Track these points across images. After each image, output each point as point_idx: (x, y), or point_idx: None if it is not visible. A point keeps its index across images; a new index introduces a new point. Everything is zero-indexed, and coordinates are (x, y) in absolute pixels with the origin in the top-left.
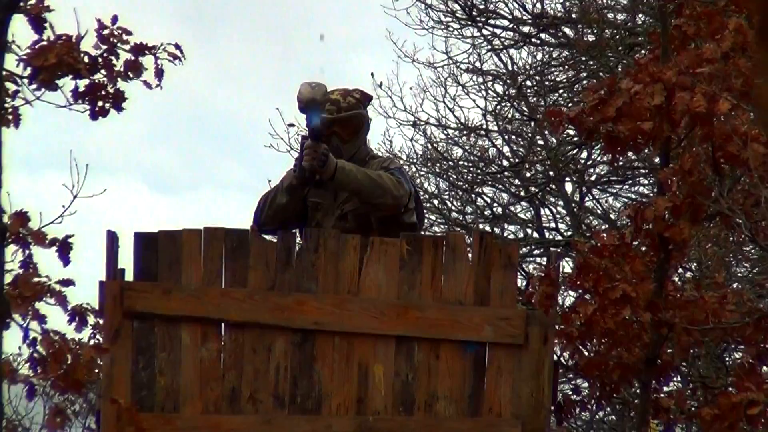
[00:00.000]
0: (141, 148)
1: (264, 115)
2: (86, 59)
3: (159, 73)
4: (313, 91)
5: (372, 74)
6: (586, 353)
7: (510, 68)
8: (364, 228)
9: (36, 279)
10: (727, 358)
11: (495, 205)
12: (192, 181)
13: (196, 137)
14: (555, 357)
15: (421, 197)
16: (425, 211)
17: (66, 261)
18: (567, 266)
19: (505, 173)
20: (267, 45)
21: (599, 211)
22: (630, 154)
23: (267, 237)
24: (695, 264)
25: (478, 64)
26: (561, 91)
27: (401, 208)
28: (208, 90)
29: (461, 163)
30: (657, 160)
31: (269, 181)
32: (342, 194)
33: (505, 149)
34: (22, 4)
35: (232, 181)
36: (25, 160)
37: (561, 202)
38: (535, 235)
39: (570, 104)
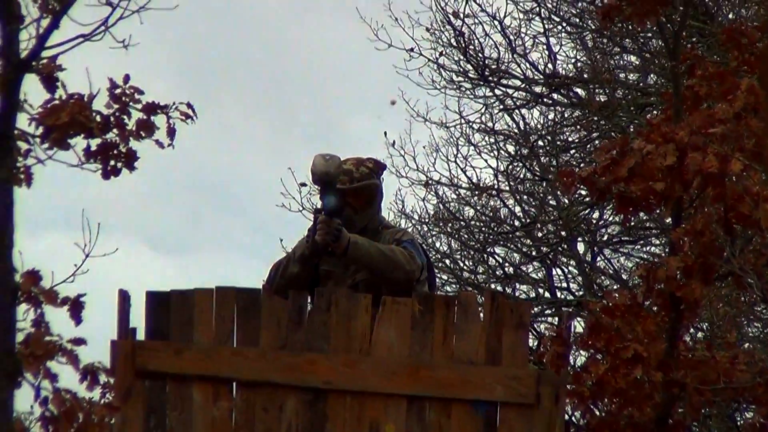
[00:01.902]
0: (142, 207)
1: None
2: (98, 118)
3: (171, 132)
4: (327, 163)
5: (385, 133)
6: (598, 413)
7: (522, 128)
8: (375, 297)
9: (48, 338)
10: (739, 418)
11: (506, 264)
12: (194, 242)
13: (198, 197)
14: (566, 417)
15: (433, 258)
16: (437, 271)
17: (78, 320)
18: (578, 326)
19: (517, 233)
20: (267, 107)
21: (611, 271)
22: (642, 214)
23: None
24: (707, 324)
25: (490, 123)
26: (573, 150)
27: (413, 282)
28: (208, 150)
29: (473, 222)
30: (669, 220)
31: (281, 240)
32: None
33: (517, 209)
34: (34, 63)
35: (235, 242)
36: (36, 219)
37: (572, 262)
38: (547, 294)
39: (582, 164)
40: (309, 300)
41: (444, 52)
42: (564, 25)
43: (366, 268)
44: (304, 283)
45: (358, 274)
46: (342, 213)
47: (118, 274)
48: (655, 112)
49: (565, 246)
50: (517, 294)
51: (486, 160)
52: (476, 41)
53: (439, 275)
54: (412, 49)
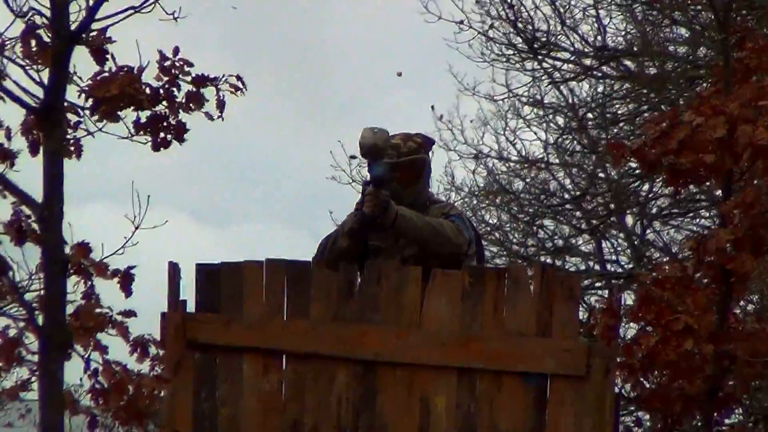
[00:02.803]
0: (187, 179)
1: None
2: (148, 90)
3: (221, 105)
4: (375, 136)
5: (432, 107)
6: (648, 385)
7: (571, 101)
8: (425, 271)
9: (98, 310)
10: None
11: (556, 237)
12: (240, 214)
13: (244, 170)
14: (617, 389)
15: (482, 231)
16: (486, 244)
17: (128, 292)
18: (629, 299)
19: (567, 206)
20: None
21: (660, 244)
22: (692, 186)
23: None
24: (757, 296)
25: (538, 96)
26: (622, 123)
27: (461, 255)
28: (254, 121)
29: (522, 195)
30: (719, 192)
31: (330, 212)
32: (403, 238)
33: (567, 182)
34: (83, 36)
35: (281, 214)
36: (85, 191)
37: (622, 235)
38: (597, 267)
39: (631, 137)
40: (359, 272)
41: (493, 25)
42: None
43: (413, 241)
44: (353, 257)
45: (407, 249)
46: (390, 186)
47: (166, 246)
48: (705, 84)
49: (615, 219)
50: (567, 267)
51: (535, 133)
52: (526, 14)
53: (488, 248)
54: (461, 22)
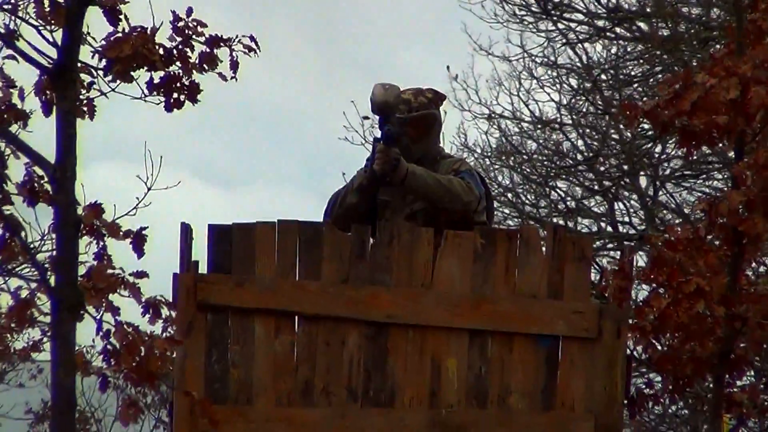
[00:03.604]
0: (197, 140)
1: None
2: (161, 51)
3: (234, 65)
4: (386, 93)
5: (447, 67)
6: (660, 347)
7: (585, 62)
8: (433, 227)
9: (110, 271)
10: None
11: (569, 198)
12: (252, 175)
13: (256, 131)
14: (628, 351)
15: (495, 191)
16: (498, 205)
17: (140, 253)
18: (641, 260)
19: (579, 167)
20: (325, 40)
21: (673, 205)
22: (704, 148)
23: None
24: None
25: (552, 57)
26: (635, 85)
27: (471, 212)
28: (267, 82)
29: (535, 156)
30: (731, 154)
31: (343, 174)
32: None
33: (579, 143)
34: None
35: (292, 175)
36: (99, 151)
37: (635, 196)
38: (609, 229)
39: (645, 98)
40: (371, 233)
41: None
42: None
43: (423, 198)
44: (362, 213)
45: (415, 204)
46: (400, 142)
47: (178, 207)
48: (718, 46)
49: (628, 180)
50: (578, 228)
51: (549, 94)
52: None
53: (500, 209)
54: None
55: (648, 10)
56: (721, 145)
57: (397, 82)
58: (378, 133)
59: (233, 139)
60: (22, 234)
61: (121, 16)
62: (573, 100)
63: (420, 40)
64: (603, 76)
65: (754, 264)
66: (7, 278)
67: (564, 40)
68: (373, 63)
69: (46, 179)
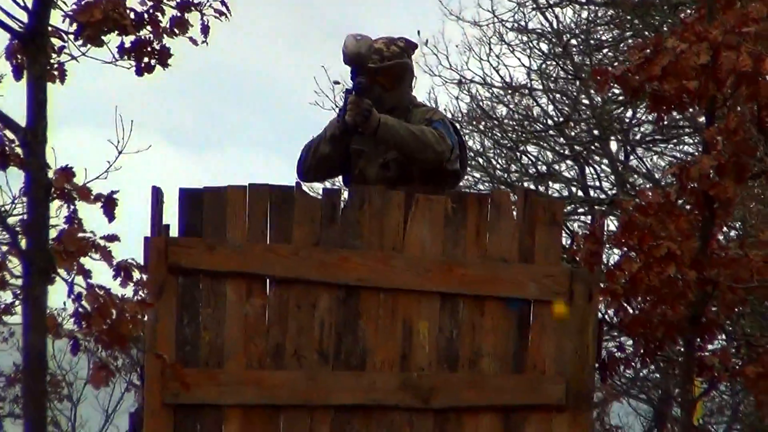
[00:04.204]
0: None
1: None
2: (132, 15)
3: (205, 30)
4: (358, 44)
5: (418, 32)
6: (631, 311)
7: (555, 27)
8: (406, 176)
9: (81, 234)
10: None
11: (539, 163)
12: (221, 139)
13: (226, 95)
14: (599, 315)
15: (467, 150)
16: (469, 169)
17: (111, 217)
18: (611, 224)
19: (550, 132)
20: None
21: (644, 170)
22: (675, 113)
23: (311, 194)
24: (739, 222)
25: (523, 22)
26: (606, 50)
27: (443, 162)
28: (236, 47)
29: (506, 121)
30: (702, 119)
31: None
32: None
33: (550, 108)
34: None
35: (263, 140)
36: (69, 115)
37: (605, 161)
38: (580, 193)
39: (615, 63)
40: (342, 197)
41: None
42: None
43: (396, 149)
44: (335, 162)
45: (389, 153)
46: (372, 93)
47: (149, 171)
48: (688, 11)
49: (598, 145)
50: (549, 192)
51: (519, 59)
52: None
53: (471, 173)
54: None
55: None
56: (691, 110)
57: None
58: (350, 85)
59: (203, 104)
60: None
61: None
62: (543, 65)
63: (391, 4)
64: (573, 41)
65: (725, 228)
66: None
67: (534, 5)
68: (343, 28)
69: (16, 143)
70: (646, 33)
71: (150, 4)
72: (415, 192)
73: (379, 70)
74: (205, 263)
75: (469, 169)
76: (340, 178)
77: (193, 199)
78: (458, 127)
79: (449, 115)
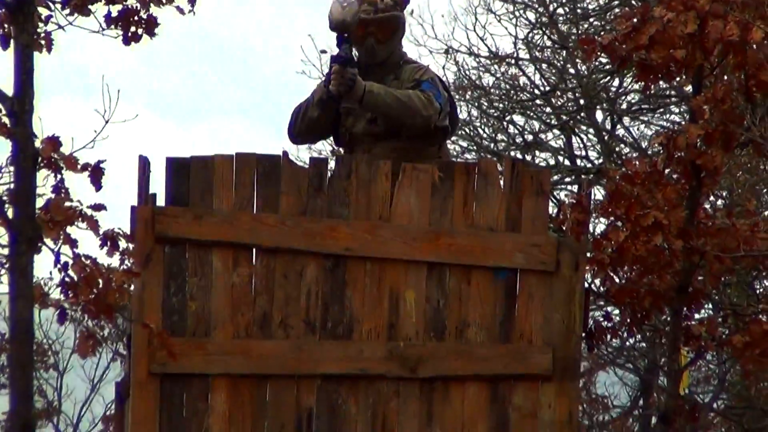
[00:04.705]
0: (152, 74)
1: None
2: None
3: (191, 0)
4: (343, 11)
5: None
6: (618, 280)
7: None
8: (393, 131)
9: (68, 204)
10: (758, 286)
11: (526, 132)
12: (204, 109)
13: (205, 63)
14: (586, 284)
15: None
16: (456, 138)
17: (98, 186)
18: (598, 193)
19: (537, 101)
20: None
21: (630, 140)
22: (662, 82)
23: (298, 163)
24: (727, 192)
25: None
26: (593, 19)
27: (431, 126)
28: (224, 16)
29: (492, 91)
30: (689, 88)
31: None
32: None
33: (537, 77)
34: None
35: (244, 108)
36: (56, 85)
37: (592, 130)
38: (567, 162)
39: (602, 32)
40: (329, 166)
41: None
42: None
43: (382, 116)
44: (325, 124)
45: None
46: (364, 37)
47: (135, 141)
48: None
49: (585, 114)
50: (536, 162)
51: (506, 28)
52: None
53: (458, 143)
54: None
55: None
56: (678, 79)
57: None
58: (336, 51)
59: (190, 73)
60: None
61: None
62: (530, 35)
63: None
64: (560, 10)
65: (711, 198)
66: None
67: None
68: None
69: (3, 112)
70: (634, 2)
71: None
72: (403, 147)
73: (373, 22)
74: (192, 233)
75: (456, 137)
76: (328, 148)
77: (180, 169)
78: (447, 83)
79: None
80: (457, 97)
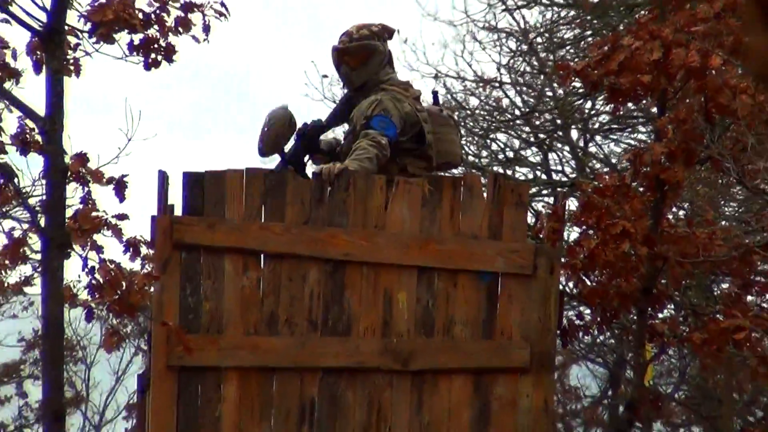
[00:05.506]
0: (168, 96)
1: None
2: (140, 15)
3: (206, 29)
4: (261, 139)
5: (398, 31)
6: (589, 283)
7: (522, 26)
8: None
9: (94, 214)
10: (716, 289)
11: (507, 149)
12: (216, 127)
13: (216, 87)
14: (560, 286)
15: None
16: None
17: (121, 198)
18: (572, 205)
19: (517, 121)
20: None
21: (601, 156)
22: (630, 104)
23: (302, 177)
24: (688, 203)
25: (493, 22)
26: (568, 47)
27: (388, 155)
28: (233, 42)
29: (477, 111)
30: (654, 109)
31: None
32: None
33: (517, 99)
34: None
35: (253, 127)
36: (84, 106)
37: (567, 148)
38: (544, 176)
39: (576, 59)
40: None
41: None
42: None
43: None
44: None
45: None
46: (339, 65)
47: (155, 157)
48: (643, 12)
49: (561, 133)
50: (516, 176)
51: (489, 55)
52: None
53: None
54: None
55: None
56: (645, 101)
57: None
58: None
59: (202, 95)
60: (15, 180)
61: None
62: (511, 61)
63: (375, 6)
64: (539, 39)
65: (674, 209)
66: (1, 220)
67: (504, 7)
68: (329, 27)
69: (36, 131)
70: (605, 32)
71: (157, 5)
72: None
73: (346, 51)
74: (206, 240)
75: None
76: None
77: (196, 182)
78: (404, 107)
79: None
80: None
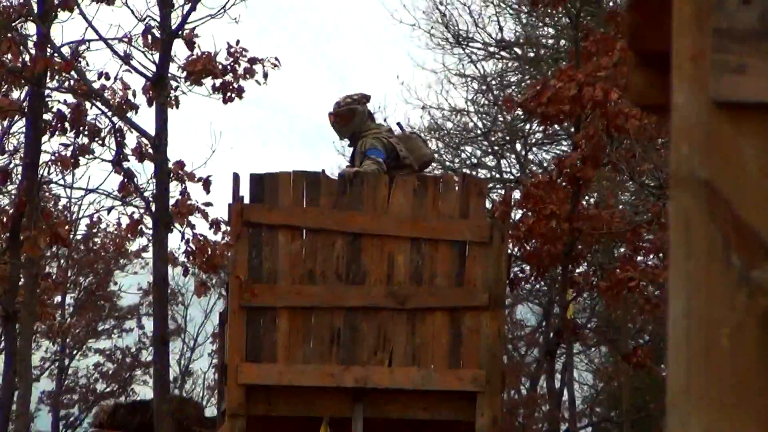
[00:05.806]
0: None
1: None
2: (220, 66)
3: (265, 75)
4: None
5: (397, 76)
6: (528, 248)
7: (482, 72)
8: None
9: (189, 202)
10: (616, 252)
11: (473, 157)
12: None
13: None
14: (509, 251)
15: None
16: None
17: (207, 191)
18: (516, 195)
19: (479, 138)
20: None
21: (537, 161)
22: (556, 126)
23: (331, 177)
24: (596, 193)
25: (462, 70)
26: (514, 87)
27: (385, 171)
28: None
29: (452, 131)
30: (573, 129)
31: (333, 142)
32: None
33: (479, 123)
34: (180, 32)
35: (296, 144)
36: (182, 128)
37: (513, 156)
38: (498, 176)
39: (519, 95)
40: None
41: (434, 26)
42: (507, 8)
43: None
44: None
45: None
46: (333, 123)
47: (231, 163)
48: (564, 62)
49: (510, 146)
50: (479, 175)
51: (459, 93)
52: (454, 19)
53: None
54: (413, 25)
55: (521, 40)
56: (565, 123)
57: (361, 84)
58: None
59: (263, 118)
60: (135, 179)
61: (195, 44)
62: (475, 96)
63: (380, 58)
64: (493, 82)
65: (586, 197)
66: (126, 206)
67: (469, 59)
68: (356, 70)
69: (149, 145)
70: (538, 76)
71: (231, 59)
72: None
73: (336, 113)
74: (265, 219)
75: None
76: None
77: (258, 180)
78: (382, 140)
79: (417, 128)
80: (428, 136)
